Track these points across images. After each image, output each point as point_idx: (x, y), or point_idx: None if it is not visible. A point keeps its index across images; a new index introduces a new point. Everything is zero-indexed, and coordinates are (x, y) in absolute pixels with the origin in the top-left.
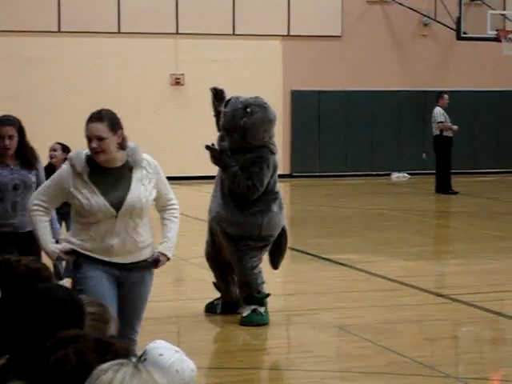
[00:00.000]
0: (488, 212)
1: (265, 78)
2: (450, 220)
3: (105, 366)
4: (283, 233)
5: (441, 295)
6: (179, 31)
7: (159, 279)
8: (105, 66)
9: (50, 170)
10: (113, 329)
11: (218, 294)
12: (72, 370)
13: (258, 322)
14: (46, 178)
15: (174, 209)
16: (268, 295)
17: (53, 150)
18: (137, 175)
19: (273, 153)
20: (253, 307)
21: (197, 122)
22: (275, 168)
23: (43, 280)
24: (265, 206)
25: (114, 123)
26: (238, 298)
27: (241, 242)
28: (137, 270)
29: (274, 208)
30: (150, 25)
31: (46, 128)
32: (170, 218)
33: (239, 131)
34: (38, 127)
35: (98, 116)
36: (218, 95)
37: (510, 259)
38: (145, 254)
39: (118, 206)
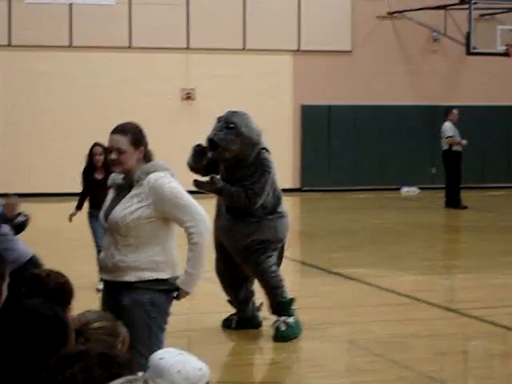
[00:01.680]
0: (497, 227)
1: (275, 93)
2: (460, 234)
3: (116, 382)
4: None
5: (450, 310)
6: (190, 46)
7: None
8: (116, 81)
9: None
10: (125, 343)
11: (230, 309)
12: None
13: (290, 336)
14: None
15: (192, 233)
16: (293, 299)
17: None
18: (132, 192)
19: (267, 150)
20: (282, 319)
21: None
22: (275, 172)
23: (68, 293)
24: (276, 212)
25: (137, 138)
26: (252, 315)
27: (256, 247)
28: (120, 293)
29: (280, 209)
30: (161, 40)
31: (59, 143)
32: (189, 247)
33: (244, 143)
34: (51, 142)
35: (122, 128)
36: (201, 154)
37: None
38: (128, 277)
39: (107, 220)
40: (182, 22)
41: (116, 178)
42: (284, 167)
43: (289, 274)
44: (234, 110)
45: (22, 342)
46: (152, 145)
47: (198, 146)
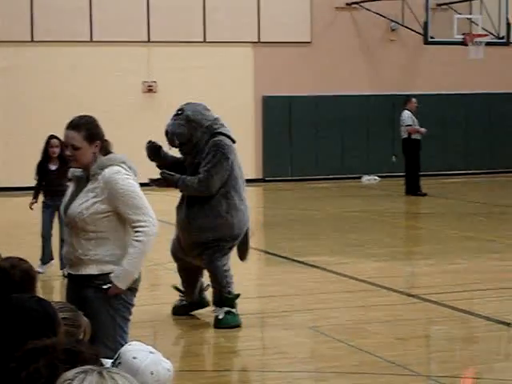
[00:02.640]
0: (456, 213)
1: (236, 85)
2: (420, 221)
3: (69, 374)
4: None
5: (412, 295)
6: (151, 39)
7: None
8: (77, 75)
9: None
10: (87, 333)
11: None
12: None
13: (233, 323)
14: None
15: (138, 231)
16: (238, 296)
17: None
18: (88, 186)
19: (232, 139)
20: (226, 309)
21: None
22: (233, 162)
23: (33, 278)
24: (232, 205)
25: (91, 133)
26: (200, 296)
27: (212, 244)
28: (84, 286)
29: (241, 206)
30: (122, 33)
31: (21, 137)
32: (132, 243)
33: (191, 127)
34: (13, 136)
35: (75, 124)
36: (153, 150)
37: (478, 258)
38: (90, 269)
39: (66, 214)
40: (142, 15)
41: (75, 170)
42: (246, 158)
43: (252, 263)
44: (190, 102)
45: (11, 337)
46: (114, 138)
47: (149, 142)
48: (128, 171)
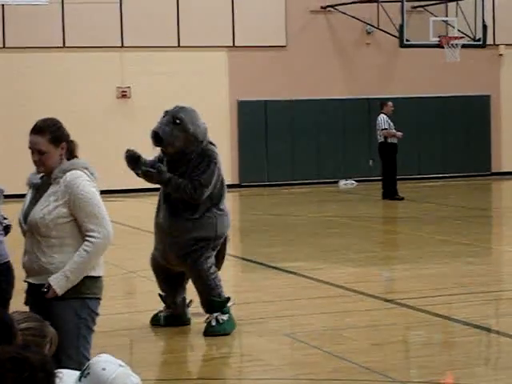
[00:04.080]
0: (434, 217)
1: (211, 89)
2: (397, 225)
3: None
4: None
5: (389, 300)
6: (124, 44)
7: (110, 292)
8: (50, 81)
9: None
10: (53, 343)
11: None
12: None
13: (220, 331)
14: None
15: (89, 241)
16: (229, 299)
17: None
18: (49, 190)
19: (212, 143)
20: (215, 315)
21: (144, 135)
22: (220, 166)
23: None
24: (215, 206)
25: (56, 136)
26: (182, 311)
27: (196, 245)
28: (45, 296)
29: (223, 206)
30: (95, 38)
31: None
32: (80, 251)
33: (189, 140)
34: None
35: (39, 128)
36: (133, 159)
37: (456, 263)
38: None
39: (26, 222)
40: (115, 21)
41: (32, 177)
42: (222, 163)
43: (228, 269)
44: (182, 105)
45: None
46: (88, 143)
47: (128, 151)
48: (90, 177)
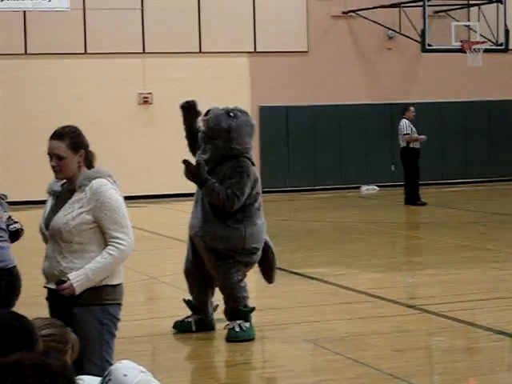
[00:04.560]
0: (456, 222)
1: (233, 95)
2: (419, 231)
3: None
4: (267, 247)
5: (411, 306)
6: (146, 50)
7: (131, 298)
8: (72, 87)
9: None
10: (75, 349)
11: (188, 312)
12: None
13: (244, 337)
14: None
15: (114, 246)
16: (253, 309)
17: None
18: (74, 198)
19: (252, 163)
20: (238, 322)
21: (165, 141)
22: (256, 180)
23: None
24: (246, 219)
25: (75, 142)
26: (212, 317)
27: (226, 255)
28: (69, 300)
29: (257, 220)
30: (117, 45)
31: (16, 151)
32: (103, 253)
33: (223, 136)
34: (7, 150)
35: (59, 134)
36: (191, 108)
37: (478, 268)
38: None
39: (47, 228)
40: (137, 27)
41: (53, 185)
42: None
43: (249, 275)
44: (248, 112)
45: None
46: (110, 149)
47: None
48: (114, 184)
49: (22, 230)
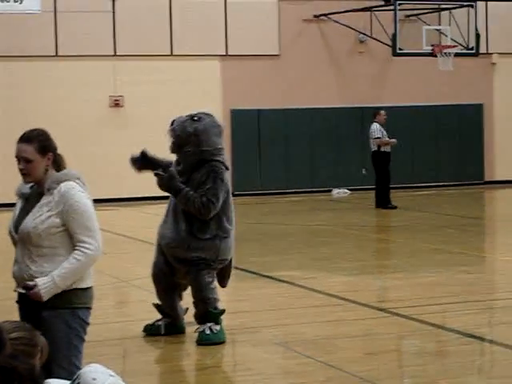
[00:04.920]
0: (427, 225)
1: (204, 98)
2: (390, 234)
3: None
4: None
5: (381, 309)
6: (117, 53)
7: (101, 301)
8: (43, 90)
9: None
10: (44, 353)
11: (158, 315)
12: None
13: (214, 340)
14: None
15: (81, 250)
16: (223, 311)
17: None
18: (42, 201)
19: (226, 167)
20: (209, 325)
21: (136, 143)
22: (228, 188)
23: None
24: (221, 229)
25: (43, 145)
26: (182, 321)
27: (199, 262)
28: (38, 305)
29: (231, 230)
30: (88, 47)
31: None
32: (69, 258)
33: (192, 140)
34: None
35: (27, 137)
36: (143, 157)
37: (449, 272)
38: None
39: (16, 231)
40: (108, 29)
41: (22, 187)
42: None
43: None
44: (212, 115)
45: None
46: (81, 152)
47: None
48: (83, 187)
49: None
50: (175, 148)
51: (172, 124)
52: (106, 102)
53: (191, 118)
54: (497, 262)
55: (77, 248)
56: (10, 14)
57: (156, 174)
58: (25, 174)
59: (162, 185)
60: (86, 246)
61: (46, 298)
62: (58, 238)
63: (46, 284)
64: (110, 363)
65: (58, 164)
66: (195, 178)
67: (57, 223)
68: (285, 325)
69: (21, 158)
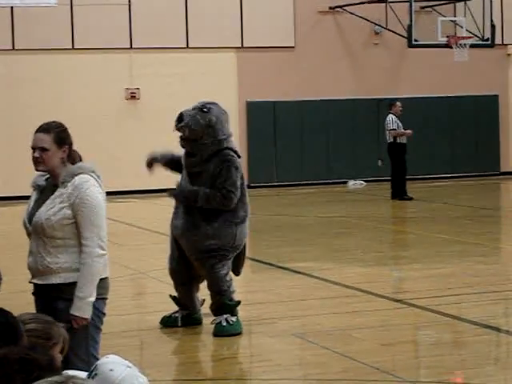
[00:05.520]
0: (443, 217)
1: (220, 90)
2: (406, 225)
3: None
4: None
5: (398, 300)
6: (133, 46)
7: (119, 293)
8: (59, 83)
9: None
10: (65, 344)
11: (175, 307)
12: None
13: (231, 331)
14: None
15: (84, 252)
16: (239, 303)
17: None
18: (56, 193)
19: (237, 154)
20: (225, 316)
21: (153, 135)
22: (242, 174)
23: None
24: (236, 215)
25: (60, 137)
26: (199, 313)
27: (214, 252)
28: (54, 296)
29: (245, 216)
30: (104, 40)
31: (4, 146)
32: (80, 267)
33: (207, 132)
34: None
35: (45, 127)
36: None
37: (465, 263)
38: (60, 279)
39: (30, 223)
40: (124, 22)
41: (37, 179)
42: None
43: None
44: (217, 102)
45: None
46: (98, 145)
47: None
48: (97, 180)
49: None
50: (190, 142)
51: (180, 119)
52: (122, 95)
53: (200, 109)
54: None
55: (81, 248)
56: (27, 7)
57: (169, 195)
58: (38, 161)
59: (178, 199)
60: (88, 243)
61: (87, 315)
62: (71, 229)
63: (79, 308)
64: (127, 355)
65: (73, 159)
66: (208, 169)
67: (68, 215)
68: (301, 316)
69: (36, 147)
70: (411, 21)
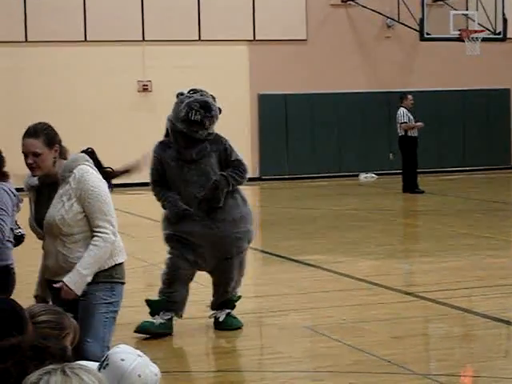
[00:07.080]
0: (454, 210)
1: (232, 83)
2: (417, 219)
3: (33, 377)
4: None
5: (409, 293)
6: (145, 38)
7: (131, 284)
8: (72, 75)
9: None
10: (76, 335)
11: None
12: (14, 383)
13: (236, 325)
14: None
15: (98, 236)
16: (240, 297)
17: None
18: (60, 191)
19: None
20: (227, 311)
21: (164, 128)
22: None
23: None
24: (243, 196)
25: (49, 138)
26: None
27: (244, 245)
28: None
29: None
30: (116, 32)
31: (16, 138)
32: (89, 247)
33: (216, 118)
34: (9, 139)
35: (33, 131)
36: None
37: (476, 256)
38: None
39: (42, 225)
40: (136, 14)
41: (30, 180)
42: (243, 157)
43: (248, 262)
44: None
45: None
46: (110, 137)
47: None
48: (93, 168)
49: (24, 235)
50: (201, 130)
51: (209, 108)
52: (134, 87)
53: (212, 97)
54: None
55: (94, 234)
56: None
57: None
58: (34, 167)
59: (218, 200)
60: (102, 230)
61: (79, 292)
62: (86, 222)
63: (73, 280)
64: (138, 346)
65: (64, 154)
66: (210, 155)
67: (80, 209)
68: (312, 308)
69: (29, 153)
70: (423, 14)
